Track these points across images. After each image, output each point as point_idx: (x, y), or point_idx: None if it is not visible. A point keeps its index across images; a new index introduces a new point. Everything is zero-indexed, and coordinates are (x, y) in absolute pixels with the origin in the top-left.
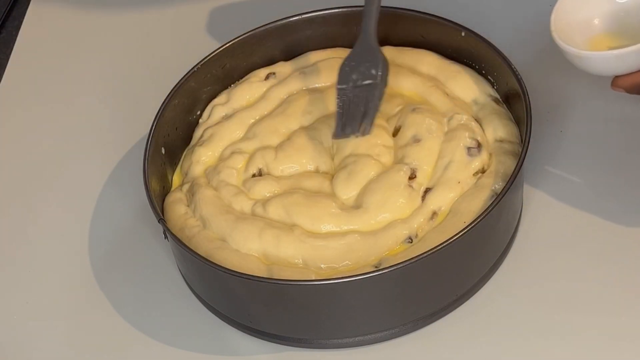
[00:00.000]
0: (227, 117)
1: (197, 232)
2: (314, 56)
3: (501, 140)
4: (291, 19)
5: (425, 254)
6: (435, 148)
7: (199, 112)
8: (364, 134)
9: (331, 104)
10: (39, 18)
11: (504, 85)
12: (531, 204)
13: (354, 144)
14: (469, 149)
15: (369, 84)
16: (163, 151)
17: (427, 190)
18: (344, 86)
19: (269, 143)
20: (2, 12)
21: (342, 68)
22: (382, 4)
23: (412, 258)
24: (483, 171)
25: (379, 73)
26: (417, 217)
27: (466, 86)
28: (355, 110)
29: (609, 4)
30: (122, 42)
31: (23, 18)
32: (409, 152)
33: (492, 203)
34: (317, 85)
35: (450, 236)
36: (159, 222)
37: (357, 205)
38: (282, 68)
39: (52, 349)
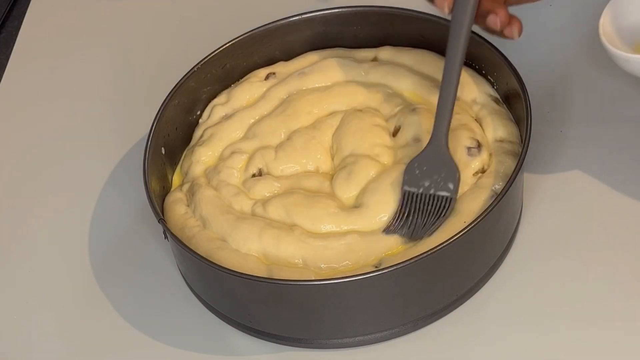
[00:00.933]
0: (227, 117)
1: (197, 232)
2: (314, 56)
3: (501, 140)
4: (291, 19)
5: (425, 254)
6: None
7: (199, 112)
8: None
9: (331, 103)
10: (39, 18)
11: (504, 85)
12: (531, 204)
13: (353, 144)
14: (469, 148)
15: (444, 197)
16: (163, 151)
17: None
18: (413, 189)
19: (269, 143)
20: (2, 12)
21: (411, 169)
22: (382, 4)
23: (412, 258)
24: (483, 171)
25: (456, 188)
26: None
27: (466, 86)
28: (420, 215)
29: None
30: (122, 42)
31: (23, 18)
32: (408, 152)
33: (492, 203)
34: (317, 85)
35: (450, 236)
36: (159, 222)
37: (357, 205)
38: (282, 68)
39: (52, 349)
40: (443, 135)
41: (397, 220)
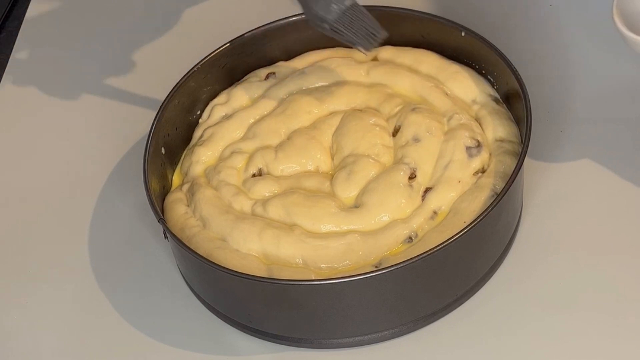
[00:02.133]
0: (227, 117)
1: (197, 232)
2: (314, 56)
3: (501, 140)
4: (291, 19)
5: (425, 254)
6: (435, 148)
7: (199, 112)
8: (383, 36)
9: (331, 103)
10: (39, 18)
11: (504, 85)
12: (531, 204)
13: (353, 144)
14: (468, 148)
15: (351, 5)
16: (163, 151)
17: (427, 190)
18: (332, 16)
19: (269, 143)
20: (2, 12)
21: (310, 9)
22: (382, 4)
23: (412, 258)
24: (483, 171)
25: None
26: (417, 216)
27: (466, 86)
28: (358, 27)
29: None
30: (122, 42)
31: (23, 18)
32: (408, 152)
33: (492, 203)
34: (317, 85)
35: (450, 236)
36: (159, 222)
37: (357, 205)
38: (282, 68)
39: (52, 349)
40: None
41: (354, 41)
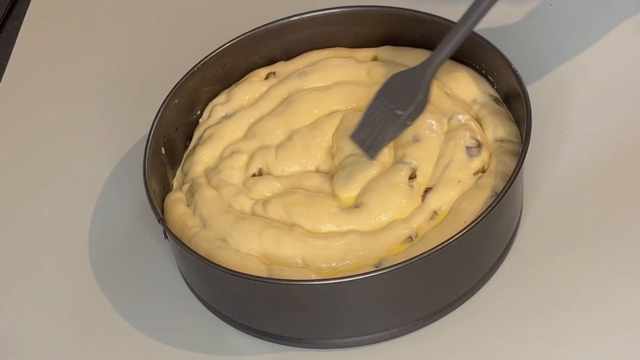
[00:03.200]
0: (227, 117)
1: (197, 232)
2: (314, 56)
3: (501, 140)
4: (291, 19)
5: (425, 254)
6: (435, 148)
7: (199, 112)
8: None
9: (331, 103)
10: (39, 18)
11: (504, 85)
12: (531, 204)
13: (354, 144)
14: (469, 148)
15: (397, 115)
16: (163, 151)
17: (427, 190)
18: (381, 101)
19: (269, 143)
20: (2, 12)
21: (392, 80)
22: (382, 4)
23: (412, 258)
24: (483, 171)
25: (410, 114)
26: (417, 216)
27: (466, 86)
28: (376, 126)
29: None
30: (122, 42)
31: (23, 18)
32: (409, 152)
33: (492, 203)
34: (317, 85)
35: (451, 236)
36: (159, 222)
37: (357, 205)
38: (282, 68)
39: (52, 349)
40: (434, 66)
41: (364, 124)
